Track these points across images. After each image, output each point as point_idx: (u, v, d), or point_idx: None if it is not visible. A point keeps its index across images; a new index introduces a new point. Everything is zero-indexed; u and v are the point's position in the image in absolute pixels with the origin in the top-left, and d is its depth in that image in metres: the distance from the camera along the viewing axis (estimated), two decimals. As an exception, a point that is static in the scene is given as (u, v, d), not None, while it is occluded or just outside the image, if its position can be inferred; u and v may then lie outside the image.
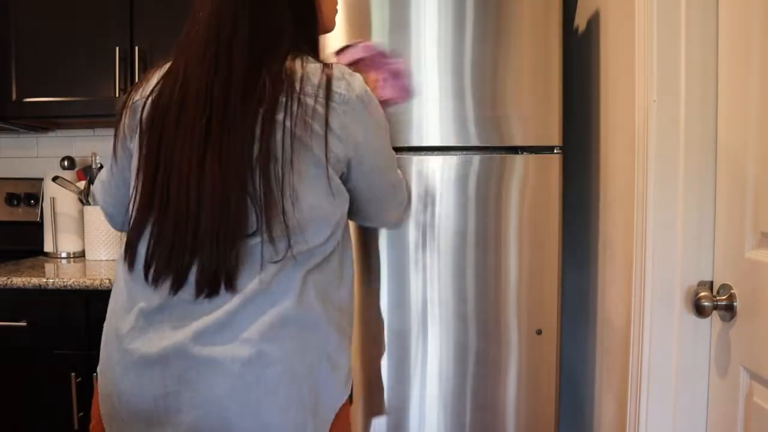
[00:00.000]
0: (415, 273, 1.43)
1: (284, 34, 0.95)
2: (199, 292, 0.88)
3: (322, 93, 0.92)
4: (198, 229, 0.87)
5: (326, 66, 0.95)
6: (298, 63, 0.93)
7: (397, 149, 1.42)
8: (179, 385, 0.87)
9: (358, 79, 0.97)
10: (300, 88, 0.90)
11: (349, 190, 1.03)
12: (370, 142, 0.98)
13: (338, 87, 0.93)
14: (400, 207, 1.17)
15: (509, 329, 1.44)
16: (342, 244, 1.02)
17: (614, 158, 1.39)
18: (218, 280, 0.88)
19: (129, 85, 1.97)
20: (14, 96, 1.96)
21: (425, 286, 1.43)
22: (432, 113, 1.41)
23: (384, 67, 1.23)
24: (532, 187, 1.42)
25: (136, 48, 1.88)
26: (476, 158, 1.42)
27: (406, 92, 1.25)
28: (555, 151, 1.42)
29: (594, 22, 1.54)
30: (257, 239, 0.89)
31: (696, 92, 1.12)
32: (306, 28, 1.00)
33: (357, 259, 1.43)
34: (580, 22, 1.65)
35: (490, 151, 1.42)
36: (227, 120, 0.88)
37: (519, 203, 1.42)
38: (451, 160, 1.42)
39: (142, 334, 0.90)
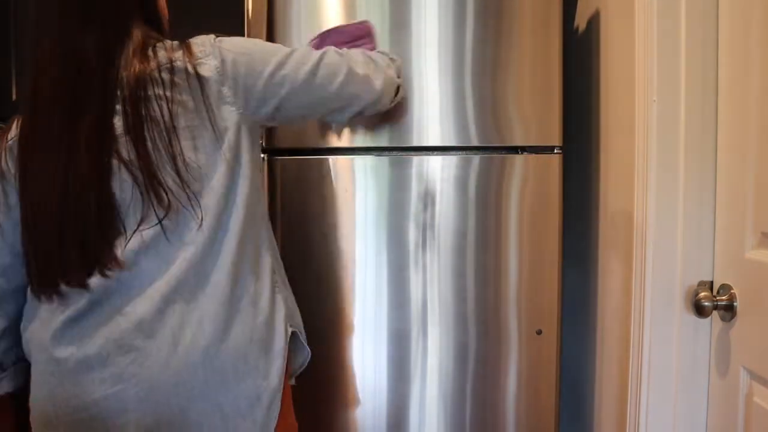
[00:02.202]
0: (415, 273, 1.43)
1: (131, 25, 0.95)
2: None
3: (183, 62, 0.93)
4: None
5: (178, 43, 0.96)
6: (150, 51, 0.94)
7: (398, 149, 1.42)
8: (121, 384, 0.86)
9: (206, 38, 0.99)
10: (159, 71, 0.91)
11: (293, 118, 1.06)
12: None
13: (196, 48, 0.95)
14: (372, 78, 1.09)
15: (509, 329, 1.44)
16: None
17: (614, 158, 1.39)
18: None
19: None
20: (14, 96, 1.96)
21: (425, 286, 1.43)
22: (432, 113, 1.41)
23: (358, 42, 1.24)
24: (532, 187, 1.42)
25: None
26: (476, 158, 1.42)
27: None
28: (555, 151, 1.42)
29: (594, 21, 1.54)
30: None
31: (696, 92, 1.12)
32: (150, 12, 1.02)
33: (357, 258, 1.43)
34: (580, 22, 1.65)
35: (490, 151, 1.42)
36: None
37: (519, 203, 1.42)
38: (451, 160, 1.42)
39: (72, 340, 0.89)
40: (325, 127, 1.42)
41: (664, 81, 1.14)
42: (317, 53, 1.05)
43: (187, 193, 0.90)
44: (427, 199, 1.42)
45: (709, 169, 1.12)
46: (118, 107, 0.89)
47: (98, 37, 0.91)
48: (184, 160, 0.91)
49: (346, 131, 1.42)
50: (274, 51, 1.02)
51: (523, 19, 1.39)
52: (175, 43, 0.96)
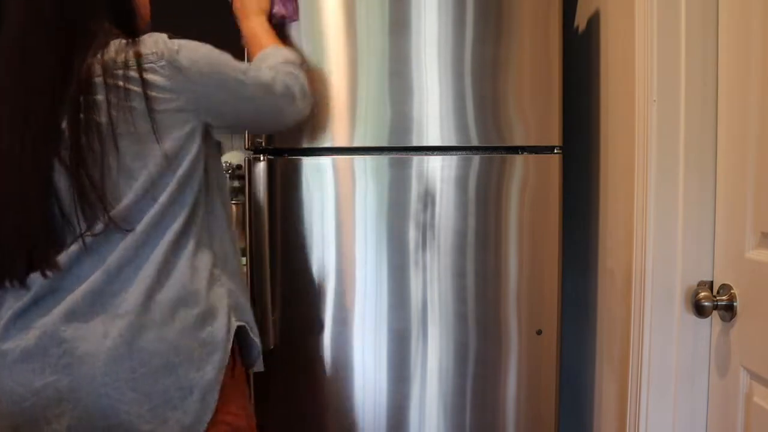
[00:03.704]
0: (415, 273, 1.43)
1: (96, 24, 0.96)
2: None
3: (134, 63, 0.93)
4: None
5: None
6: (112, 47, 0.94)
7: (398, 149, 1.42)
8: (56, 374, 0.89)
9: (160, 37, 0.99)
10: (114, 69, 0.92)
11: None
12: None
13: (147, 49, 0.95)
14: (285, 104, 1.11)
15: (509, 329, 1.44)
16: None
17: (614, 158, 1.39)
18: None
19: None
20: None
21: (425, 286, 1.43)
22: (432, 113, 1.41)
23: None
24: (532, 187, 1.42)
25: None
26: (476, 158, 1.42)
27: (294, 12, 1.35)
28: (555, 151, 1.42)
29: (594, 22, 1.54)
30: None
31: (696, 92, 1.12)
32: (123, 21, 1.02)
33: (357, 258, 1.43)
34: (581, 21, 1.65)
35: (490, 151, 1.42)
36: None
37: (519, 203, 1.42)
38: (451, 160, 1.42)
39: (16, 333, 0.91)
40: (325, 127, 1.42)
41: (664, 81, 1.14)
42: (269, 75, 1.08)
43: (124, 197, 0.93)
44: (427, 199, 1.42)
45: (709, 169, 1.12)
46: (67, 107, 0.91)
47: (52, 34, 0.93)
48: (122, 165, 0.93)
49: (346, 131, 1.42)
50: (231, 65, 1.03)
51: (523, 19, 1.39)
52: (126, 42, 0.96)
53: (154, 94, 0.93)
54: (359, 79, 1.40)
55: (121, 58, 0.93)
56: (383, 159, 1.42)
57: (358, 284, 1.44)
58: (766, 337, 0.96)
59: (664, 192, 1.15)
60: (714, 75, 1.11)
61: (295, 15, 1.36)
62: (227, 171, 2.02)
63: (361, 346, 1.45)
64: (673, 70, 1.13)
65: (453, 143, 1.41)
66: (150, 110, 0.93)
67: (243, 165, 2.01)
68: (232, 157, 2.05)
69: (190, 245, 0.98)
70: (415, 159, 1.42)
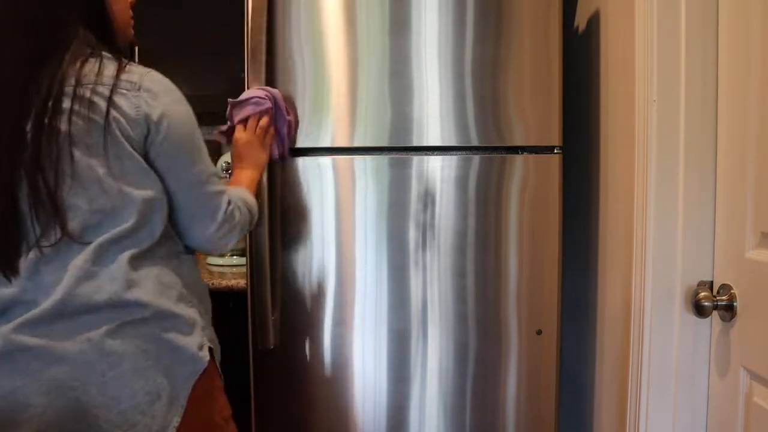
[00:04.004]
0: (415, 273, 1.43)
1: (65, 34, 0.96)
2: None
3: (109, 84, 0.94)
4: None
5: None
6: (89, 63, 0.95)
7: (398, 149, 1.42)
8: (24, 378, 0.89)
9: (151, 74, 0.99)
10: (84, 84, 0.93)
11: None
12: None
13: (127, 77, 0.95)
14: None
15: (509, 329, 1.44)
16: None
17: (614, 158, 1.39)
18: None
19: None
20: None
21: (425, 286, 1.43)
22: (432, 113, 1.41)
23: (279, 120, 1.35)
24: (532, 187, 1.42)
25: (136, 48, 1.88)
26: (476, 158, 1.42)
27: (285, 151, 1.37)
28: (555, 151, 1.42)
29: (594, 22, 1.54)
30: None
31: (696, 92, 1.12)
32: (99, 29, 1.01)
33: (357, 258, 1.43)
34: (581, 21, 1.65)
35: (490, 151, 1.42)
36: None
37: (519, 203, 1.42)
38: (451, 160, 1.42)
39: None
40: (325, 127, 1.42)
41: (664, 81, 1.14)
42: (225, 198, 1.06)
43: (78, 209, 0.93)
44: (427, 199, 1.42)
45: (709, 169, 1.12)
46: (33, 112, 0.91)
47: (26, 41, 0.94)
48: (77, 174, 0.92)
49: (346, 131, 1.42)
50: (200, 161, 1.03)
51: (523, 19, 1.39)
52: (106, 61, 0.96)
53: (115, 114, 0.93)
54: (359, 79, 1.40)
55: (98, 71, 0.94)
56: (383, 159, 1.42)
57: (358, 284, 1.44)
58: (766, 337, 0.96)
59: (664, 192, 1.15)
60: (714, 75, 1.11)
61: (293, 144, 1.39)
62: (227, 171, 2.02)
63: (361, 346, 1.45)
64: (673, 70, 1.13)
65: (453, 143, 1.42)
66: (107, 126, 0.93)
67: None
68: (232, 157, 2.05)
69: (155, 266, 0.98)
70: (415, 159, 1.42)
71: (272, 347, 1.42)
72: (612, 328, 1.40)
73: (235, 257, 1.92)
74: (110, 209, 0.94)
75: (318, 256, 1.43)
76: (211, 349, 1.02)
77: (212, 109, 2.00)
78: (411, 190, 1.42)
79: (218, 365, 1.07)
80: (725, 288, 1.07)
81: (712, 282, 1.13)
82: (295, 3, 1.40)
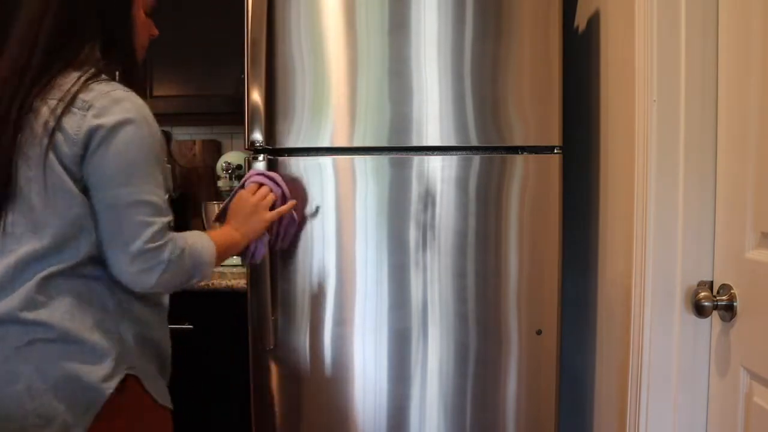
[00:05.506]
0: (416, 273, 1.43)
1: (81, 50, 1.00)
2: None
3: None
4: None
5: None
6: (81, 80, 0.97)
7: (398, 149, 1.42)
8: None
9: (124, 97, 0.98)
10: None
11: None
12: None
13: (86, 96, 0.96)
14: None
15: (509, 329, 1.44)
16: None
17: (614, 158, 1.39)
18: None
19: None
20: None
21: (425, 286, 1.43)
22: (432, 113, 1.41)
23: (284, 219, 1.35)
24: (532, 187, 1.42)
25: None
26: (476, 158, 1.42)
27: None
28: (555, 151, 1.42)
29: (594, 21, 1.54)
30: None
31: (696, 92, 1.12)
32: (110, 38, 1.03)
33: (357, 259, 1.43)
34: (581, 21, 1.65)
35: (490, 151, 1.42)
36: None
37: (519, 203, 1.42)
38: (451, 160, 1.42)
39: None
40: (325, 127, 1.42)
41: (664, 81, 1.14)
42: (150, 232, 0.99)
43: (7, 215, 0.95)
44: (428, 199, 1.42)
45: (709, 169, 1.12)
46: (10, 122, 0.95)
47: (42, 57, 0.98)
48: (17, 183, 0.95)
49: (346, 131, 1.42)
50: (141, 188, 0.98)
51: (523, 19, 1.39)
52: (84, 78, 0.97)
53: (59, 133, 0.94)
54: (359, 79, 1.40)
55: (68, 88, 0.95)
56: (383, 159, 1.42)
57: (359, 284, 1.44)
58: (766, 337, 0.96)
59: (664, 192, 1.15)
60: (714, 75, 1.11)
61: (258, 257, 1.31)
62: (227, 171, 2.02)
63: (361, 347, 1.45)
64: (673, 70, 1.13)
65: (453, 143, 1.42)
66: (48, 143, 0.94)
67: (243, 165, 2.02)
68: (233, 157, 2.05)
69: (75, 288, 0.96)
70: (416, 159, 1.42)
71: (272, 347, 1.42)
72: (612, 328, 1.40)
73: (235, 257, 1.91)
74: (32, 225, 0.95)
75: (318, 256, 1.43)
76: (138, 380, 0.99)
77: (212, 109, 2.01)
78: (411, 190, 1.42)
79: (155, 396, 1.02)
80: (725, 288, 1.07)
81: (712, 282, 1.13)
82: (295, 3, 1.40)
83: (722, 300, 1.06)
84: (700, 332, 1.14)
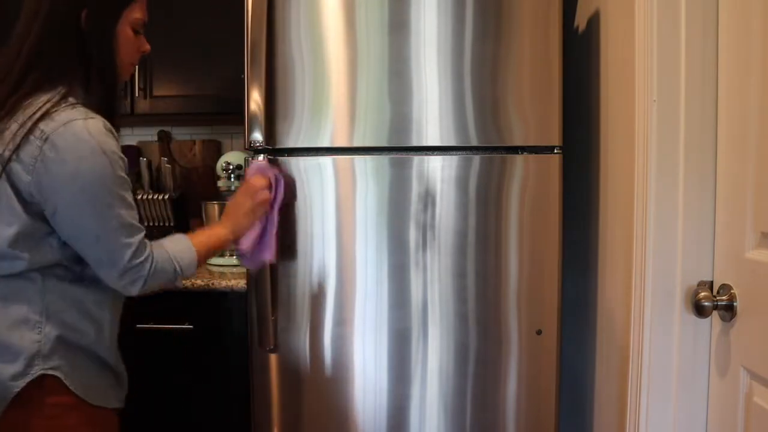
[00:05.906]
0: (416, 273, 1.43)
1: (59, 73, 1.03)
2: None
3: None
4: None
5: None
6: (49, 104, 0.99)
7: (398, 149, 1.42)
8: None
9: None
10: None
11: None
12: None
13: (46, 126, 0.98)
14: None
15: (509, 329, 1.44)
16: None
17: (614, 158, 1.39)
18: None
19: (130, 88, 1.97)
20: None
21: (425, 286, 1.43)
22: (432, 113, 1.41)
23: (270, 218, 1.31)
24: (532, 187, 1.42)
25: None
26: (476, 158, 1.42)
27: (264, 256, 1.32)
28: (555, 151, 1.42)
29: (594, 21, 1.54)
30: None
31: (696, 92, 1.12)
32: (94, 79, 1.06)
33: (357, 259, 1.43)
34: (581, 21, 1.65)
35: (490, 151, 1.42)
36: None
37: (519, 203, 1.42)
38: (451, 160, 1.42)
39: None
40: (325, 127, 1.42)
41: (664, 81, 1.14)
42: (129, 252, 1.05)
43: None
44: (428, 199, 1.42)
45: (709, 169, 1.12)
46: None
47: (9, 74, 1.02)
48: None
49: (346, 131, 1.42)
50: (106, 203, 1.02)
51: (523, 19, 1.39)
52: (52, 104, 1.00)
53: (14, 159, 0.98)
54: (359, 79, 1.40)
55: (33, 112, 0.98)
56: (383, 159, 1.42)
57: (359, 284, 1.44)
58: (766, 337, 0.96)
59: (664, 192, 1.15)
60: (714, 75, 1.11)
61: (248, 253, 1.30)
62: (227, 171, 2.02)
63: (361, 347, 1.45)
64: (673, 70, 1.13)
65: (453, 143, 1.42)
66: (6, 165, 0.98)
67: (243, 165, 2.01)
68: (233, 157, 2.05)
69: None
70: (416, 159, 1.42)
71: (272, 347, 1.42)
72: (612, 328, 1.40)
73: (235, 257, 1.92)
74: None
75: (318, 256, 1.43)
76: (58, 380, 1.02)
77: (212, 109, 2.01)
78: (411, 190, 1.42)
79: (83, 396, 1.04)
80: (725, 288, 1.07)
81: (712, 282, 1.13)
82: (295, 3, 1.40)
83: (722, 300, 1.06)
84: (700, 332, 1.14)
